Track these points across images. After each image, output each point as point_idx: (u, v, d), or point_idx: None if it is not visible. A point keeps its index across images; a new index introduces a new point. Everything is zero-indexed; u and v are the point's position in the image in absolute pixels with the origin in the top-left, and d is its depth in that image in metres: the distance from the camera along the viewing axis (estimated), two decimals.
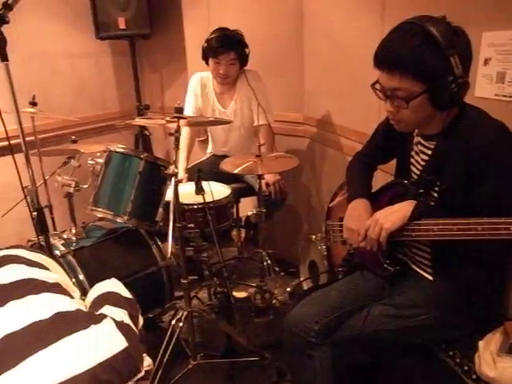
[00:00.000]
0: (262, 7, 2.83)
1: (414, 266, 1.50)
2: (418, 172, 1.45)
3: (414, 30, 1.21)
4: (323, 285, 2.34)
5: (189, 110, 2.76)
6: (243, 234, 3.17)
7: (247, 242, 3.14)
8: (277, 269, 2.64)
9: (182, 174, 2.65)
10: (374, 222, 1.36)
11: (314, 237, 2.52)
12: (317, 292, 1.57)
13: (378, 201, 1.54)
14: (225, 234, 3.13)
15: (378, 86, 1.33)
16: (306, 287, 2.64)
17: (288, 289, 2.70)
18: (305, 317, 1.47)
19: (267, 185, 2.53)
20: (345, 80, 2.43)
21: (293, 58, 2.81)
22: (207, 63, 2.60)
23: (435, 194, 1.36)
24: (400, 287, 1.48)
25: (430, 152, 1.39)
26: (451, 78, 1.19)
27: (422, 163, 1.42)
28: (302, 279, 2.68)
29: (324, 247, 2.37)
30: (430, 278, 1.43)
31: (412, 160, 1.48)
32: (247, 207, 3.04)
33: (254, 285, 2.63)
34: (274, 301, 2.54)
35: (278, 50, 2.83)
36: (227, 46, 2.46)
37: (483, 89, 1.53)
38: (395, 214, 1.33)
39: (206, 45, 2.52)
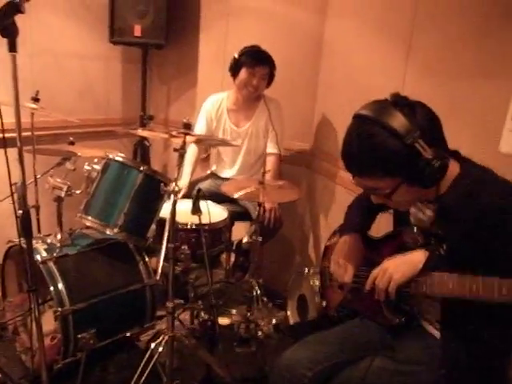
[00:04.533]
0: (281, 32, 2.80)
1: (419, 319, 1.41)
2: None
3: (368, 128, 1.16)
4: (312, 322, 2.27)
5: (199, 131, 2.74)
6: (232, 259, 3.07)
7: (235, 268, 3.04)
8: (265, 299, 2.54)
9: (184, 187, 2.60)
10: (382, 271, 1.28)
11: (306, 270, 2.45)
12: (312, 336, 1.48)
13: (382, 247, 1.47)
14: (215, 256, 3.04)
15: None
16: (292, 321, 2.56)
17: (274, 321, 2.61)
18: (298, 362, 1.38)
19: (263, 211, 2.46)
20: None
21: (306, 87, 2.79)
22: (234, 75, 2.60)
23: (443, 250, 1.28)
24: (402, 340, 1.39)
25: (431, 214, 1.31)
26: (423, 162, 1.13)
27: (426, 222, 1.34)
28: (288, 313, 2.60)
29: (317, 283, 2.30)
30: (437, 333, 1.34)
31: (411, 217, 1.40)
32: (238, 231, 2.96)
33: (239, 313, 2.53)
34: (259, 333, 2.43)
35: (291, 76, 2.79)
36: (265, 61, 2.53)
37: (510, 144, 1.44)
38: (405, 265, 1.25)
39: (241, 55, 2.54)
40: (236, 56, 2.56)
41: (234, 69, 2.58)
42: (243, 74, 2.54)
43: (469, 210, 1.17)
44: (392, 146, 1.13)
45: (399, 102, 1.17)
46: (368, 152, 1.16)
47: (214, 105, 2.75)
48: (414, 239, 1.36)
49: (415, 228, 1.38)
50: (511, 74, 1.44)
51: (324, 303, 1.96)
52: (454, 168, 1.23)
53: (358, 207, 1.68)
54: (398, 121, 1.13)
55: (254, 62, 2.50)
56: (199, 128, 2.75)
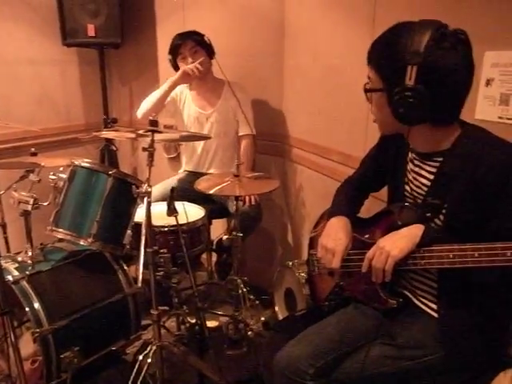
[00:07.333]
0: (239, 19, 2.73)
1: (415, 301, 1.36)
2: (413, 198, 1.34)
3: (393, 26, 1.19)
4: (302, 315, 2.21)
5: None
6: (214, 258, 2.99)
7: (218, 267, 2.95)
8: (251, 297, 2.47)
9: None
10: (378, 249, 1.22)
11: (290, 263, 2.39)
12: (308, 330, 1.41)
13: (373, 228, 1.41)
14: (195, 257, 2.95)
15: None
16: (281, 317, 2.49)
17: (262, 318, 2.55)
18: (298, 359, 1.32)
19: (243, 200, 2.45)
20: (328, 99, 2.33)
21: (271, 74, 2.72)
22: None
23: (439, 220, 1.24)
24: (400, 324, 1.34)
25: (430, 176, 1.27)
26: (399, 87, 1.12)
27: (424, 188, 1.30)
28: (276, 308, 2.54)
29: (302, 275, 2.24)
30: (435, 314, 1.30)
31: (407, 187, 1.37)
32: (216, 229, 2.88)
33: (227, 314, 2.45)
34: (249, 332, 2.36)
35: (255, 65, 2.73)
36: (182, 38, 2.53)
37: (485, 111, 1.45)
38: (402, 240, 1.20)
39: (169, 53, 2.58)
40: (168, 57, 2.59)
41: (175, 67, 2.60)
42: (179, 64, 2.57)
43: (472, 167, 1.14)
44: (392, 53, 1.15)
45: (443, 29, 1.12)
46: (376, 42, 1.21)
47: (177, 92, 2.71)
48: (407, 215, 1.30)
49: (407, 204, 1.34)
50: (480, 39, 1.42)
51: (308, 291, 1.91)
52: (455, 129, 1.21)
53: (346, 190, 1.63)
54: (418, 37, 1.10)
55: (176, 48, 2.53)
56: None
